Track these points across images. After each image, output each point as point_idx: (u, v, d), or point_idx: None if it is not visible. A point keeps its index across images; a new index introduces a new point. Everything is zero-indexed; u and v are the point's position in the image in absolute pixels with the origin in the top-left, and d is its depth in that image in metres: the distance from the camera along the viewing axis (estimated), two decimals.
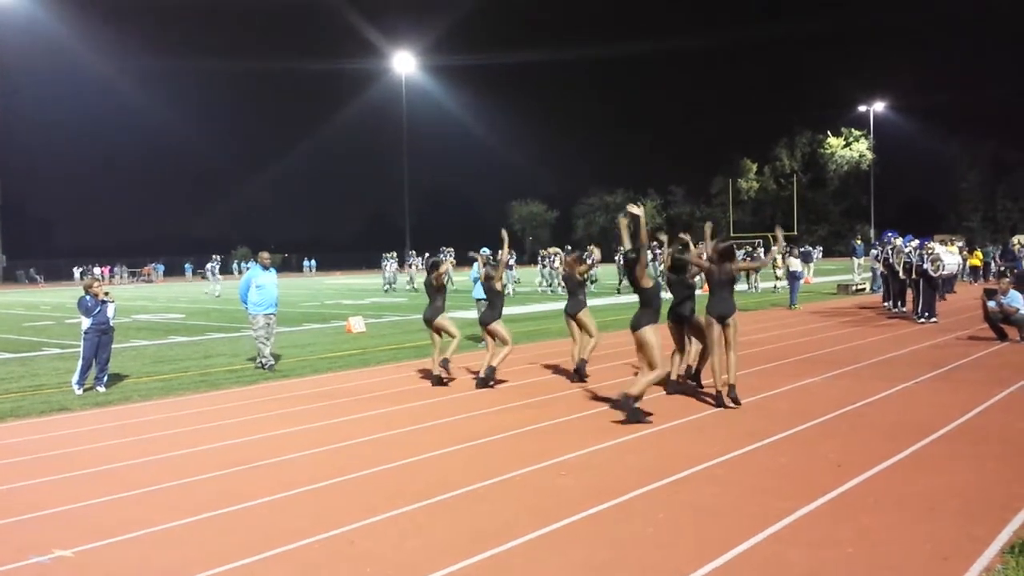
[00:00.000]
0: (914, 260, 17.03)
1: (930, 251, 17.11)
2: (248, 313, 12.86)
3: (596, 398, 9.38)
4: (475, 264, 15.49)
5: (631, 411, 7.89)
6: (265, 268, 13.00)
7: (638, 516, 5.28)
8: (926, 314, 16.73)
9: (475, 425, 8.22)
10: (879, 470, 6.14)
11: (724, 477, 6.12)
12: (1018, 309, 13.24)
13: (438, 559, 4.63)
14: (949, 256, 17.75)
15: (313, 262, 76.01)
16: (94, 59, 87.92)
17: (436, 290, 10.76)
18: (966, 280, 29.69)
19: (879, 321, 17.33)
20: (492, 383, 10.26)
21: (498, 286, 10.61)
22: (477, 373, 10.58)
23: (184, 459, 7.22)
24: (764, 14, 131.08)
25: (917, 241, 18.23)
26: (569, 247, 29.39)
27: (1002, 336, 13.27)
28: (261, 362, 12.55)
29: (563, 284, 13.78)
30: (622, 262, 8.77)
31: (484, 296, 14.66)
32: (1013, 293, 13.48)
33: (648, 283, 8.16)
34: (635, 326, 8.17)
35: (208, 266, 66.82)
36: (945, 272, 17.09)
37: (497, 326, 10.39)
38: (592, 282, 32.66)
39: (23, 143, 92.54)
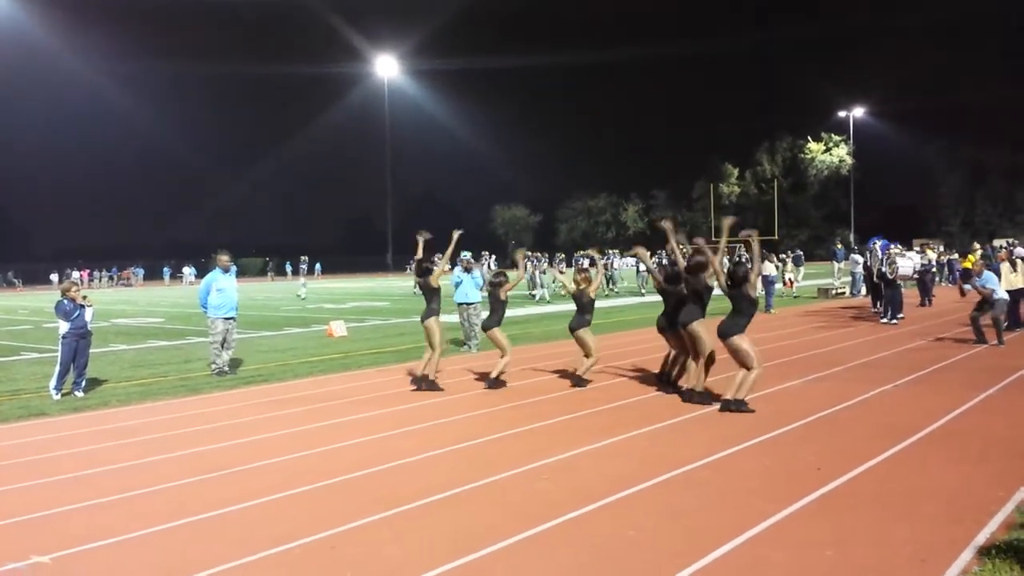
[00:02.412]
0: (871, 262, 17.81)
1: (887, 255, 17.89)
2: (207, 317, 12.63)
3: (578, 401, 9.39)
4: (456, 269, 15.49)
5: (738, 406, 8.36)
6: (225, 271, 12.71)
7: (620, 519, 5.29)
8: (895, 315, 17.46)
9: (456, 429, 8.21)
10: (859, 472, 6.18)
11: (706, 480, 6.14)
12: (994, 291, 13.41)
13: (419, 563, 4.62)
14: (904, 260, 18.39)
15: (318, 265, 74.31)
16: (74, 62, 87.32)
17: (432, 292, 10.62)
18: (945, 284, 29.94)
19: (859, 324, 17.45)
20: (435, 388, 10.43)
21: (502, 295, 10.69)
22: (485, 375, 10.71)
23: (163, 464, 7.16)
24: (745, 21, 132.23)
25: (880, 244, 18.77)
26: (587, 255, 29.27)
27: (981, 339, 13.39)
28: (216, 368, 12.35)
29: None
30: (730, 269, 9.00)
31: (468, 300, 14.72)
32: (987, 274, 13.67)
33: (752, 292, 8.62)
34: (725, 334, 8.48)
35: (185, 270, 66.76)
36: (900, 274, 17.74)
37: (497, 333, 10.54)
38: (615, 284, 32.73)
39: (4, 146, 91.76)
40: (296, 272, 34.34)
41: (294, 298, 35.27)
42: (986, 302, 13.41)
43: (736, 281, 8.59)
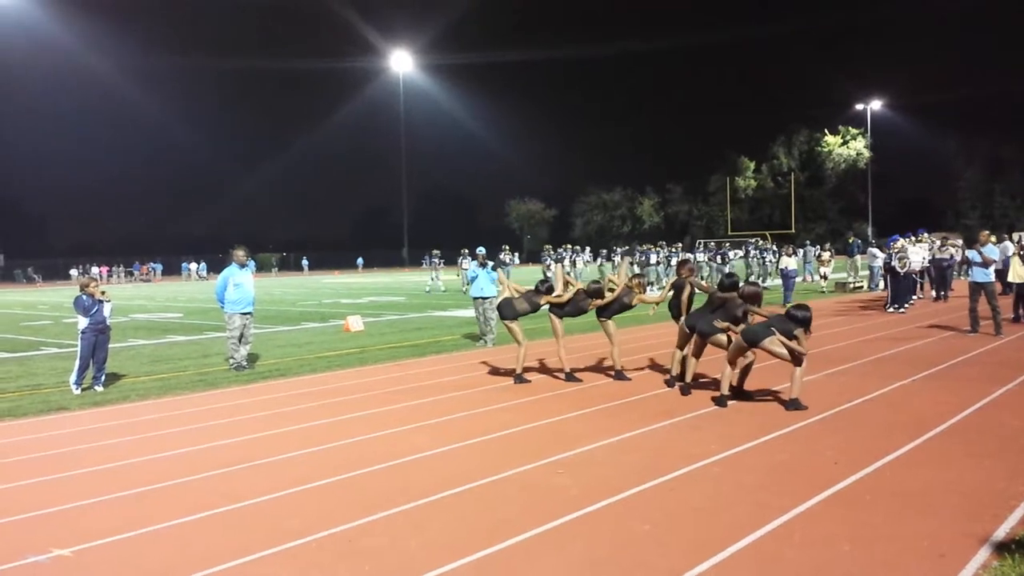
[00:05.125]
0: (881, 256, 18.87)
1: (897, 249, 18.74)
2: (224, 312, 12.72)
3: (594, 396, 9.38)
4: (472, 263, 15.51)
5: (795, 404, 8.33)
6: (241, 266, 12.80)
7: (635, 514, 5.29)
8: (895, 305, 18.47)
9: (472, 423, 8.22)
10: (876, 467, 6.15)
11: (721, 475, 6.13)
12: (995, 260, 14.10)
13: (436, 557, 4.64)
14: (915, 253, 19.02)
15: (360, 260, 72.22)
16: (91, 58, 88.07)
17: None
18: (964, 278, 29.71)
19: (876, 319, 17.35)
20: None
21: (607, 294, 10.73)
22: (513, 371, 10.72)
23: (182, 458, 7.22)
24: (762, 13, 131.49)
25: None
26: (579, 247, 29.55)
27: (975, 327, 13.91)
28: (234, 363, 12.45)
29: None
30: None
31: (483, 295, 14.73)
32: (990, 246, 14.33)
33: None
34: (753, 341, 8.46)
35: (193, 266, 67.32)
36: (911, 268, 18.55)
37: (609, 324, 10.57)
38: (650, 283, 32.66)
39: (19, 142, 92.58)
40: (429, 264, 35.48)
41: (311, 292, 35.46)
42: (979, 288, 13.92)
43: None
